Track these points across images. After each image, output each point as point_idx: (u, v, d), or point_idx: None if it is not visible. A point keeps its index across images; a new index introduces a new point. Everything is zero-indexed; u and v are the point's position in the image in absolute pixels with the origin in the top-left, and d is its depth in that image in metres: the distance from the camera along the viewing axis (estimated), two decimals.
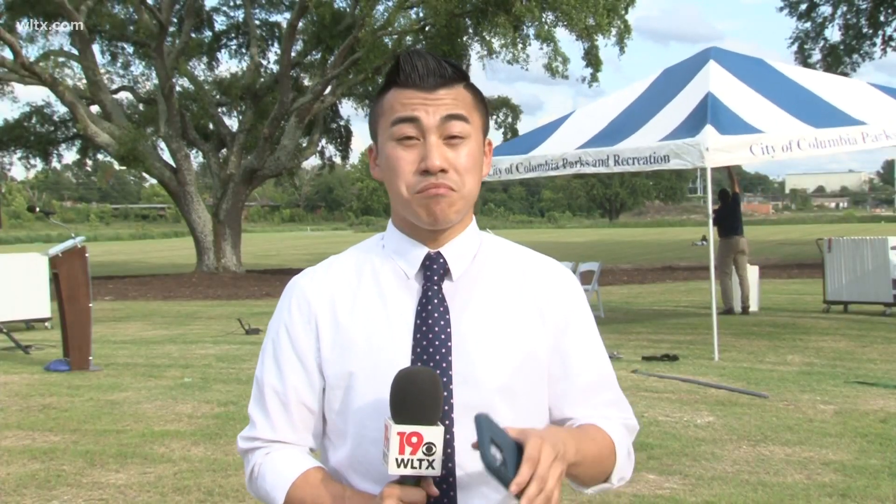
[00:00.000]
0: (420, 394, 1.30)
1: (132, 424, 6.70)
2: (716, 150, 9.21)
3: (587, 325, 1.58)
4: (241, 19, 29.38)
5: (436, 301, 1.46)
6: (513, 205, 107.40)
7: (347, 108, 51.91)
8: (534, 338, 1.50)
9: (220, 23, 30.45)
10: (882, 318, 13.05)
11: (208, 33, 30.01)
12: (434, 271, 1.48)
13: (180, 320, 14.08)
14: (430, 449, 1.28)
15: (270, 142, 25.37)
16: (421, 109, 1.42)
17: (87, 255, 9.26)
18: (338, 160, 33.89)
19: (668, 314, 14.36)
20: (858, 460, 5.34)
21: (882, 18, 29.35)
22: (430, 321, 1.45)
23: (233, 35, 30.40)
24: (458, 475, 1.41)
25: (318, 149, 30.40)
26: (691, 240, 36.57)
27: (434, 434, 1.29)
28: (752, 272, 14.51)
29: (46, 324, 13.18)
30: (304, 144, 28.23)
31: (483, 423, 1.27)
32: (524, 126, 31.09)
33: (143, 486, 5.12)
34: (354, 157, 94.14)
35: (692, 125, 9.61)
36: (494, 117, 29.06)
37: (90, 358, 9.21)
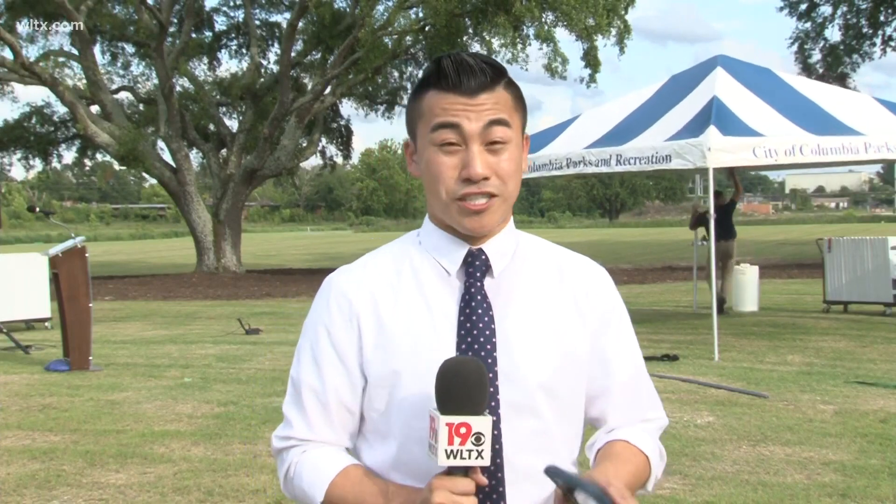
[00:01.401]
0: (466, 384, 1.30)
1: (132, 424, 6.70)
2: (718, 151, 9.23)
3: (624, 323, 1.61)
4: (241, 19, 29.38)
5: (479, 298, 1.46)
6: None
7: (347, 107, 52.08)
8: (574, 336, 1.52)
9: (220, 23, 30.48)
10: (882, 318, 13.05)
11: (208, 33, 30.02)
12: (476, 268, 1.48)
13: (180, 320, 14.07)
14: (478, 439, 1.28)
15: (270, 142, 25.36)
16: (462, 116, 1.41)
17: (87, 255, 9.26)
18: (338, 160, 33.91)
19: (667, 314, 14.36)
20: (858, 460, 5.35)
21: (882, 18, 29.34)
22: (473, 318, 1.45)
23: (233, 35, 30.40)
24: (505, 469, 1.43)
25: (318, 149, 30.40)
26: (691, 240, 36.53)
27: (482, 424, 1.29)
28: (752, 272, 14.53)
29: (46, 324, 13.18)
30: (304, 144, 28.23)
31: (561, 473, 1.34)
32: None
33: (143, 486, 5.12)
34: (355, 157, 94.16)
35: (696, 127, 9.66)
36: None
37: (90, 358, 9.21)
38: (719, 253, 13.86)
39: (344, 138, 31.86)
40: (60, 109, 28.35)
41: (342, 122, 31.73)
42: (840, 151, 9.83)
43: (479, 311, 1.45)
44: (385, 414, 1.45)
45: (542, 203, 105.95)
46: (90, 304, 9.25)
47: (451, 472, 1.31)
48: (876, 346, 10.03)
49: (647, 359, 9.08)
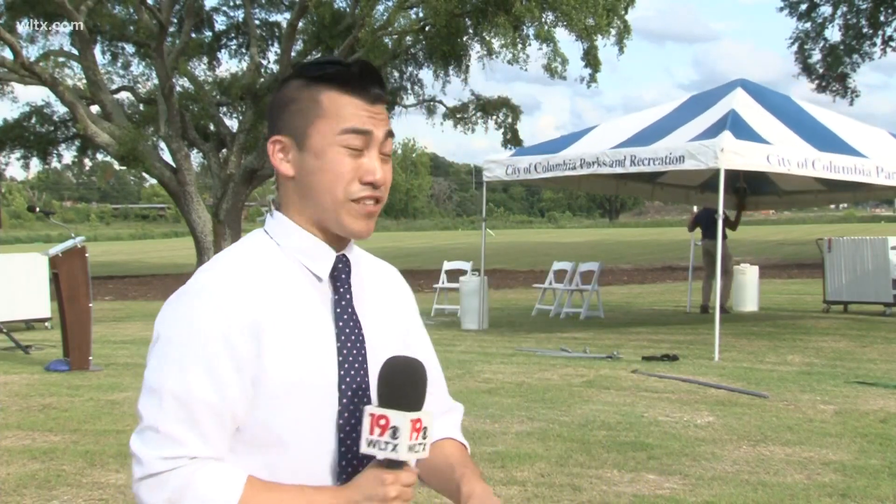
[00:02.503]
0: (395, 381, 1.37)
1: (132, 424, 6.67)
2: (731, 153, 9.33)
3: (420, 321, 1.72)
4: (241, 19, 29.35)
5: (350, 307, 1.49)
6: (512, 205, 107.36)
7: None
8: (405, 335, 1.62)
9: (220, 23, 30.45)
10: (882, 317, 13.06)
11: (208, 33, 30.00)
12: (344, 274, 1.50)
13: None
14: (395, 433, 1.33)
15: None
16: (370, 122, 1.45)
17: (87, 254, 9.26)
18: None
19: (668, 314, 14.37)
20: (858, 460, 5.35)
21: (882, 18, 29.34)
22: (350, 324, 1.48)
23: (233, 35, 30.38)
24: None
25: None
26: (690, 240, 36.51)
27: (400, 419, 1.33)
28: (752, 272, 14.54)
29: (46, 324, 13.18)
30: None
31: None
32: (523, 126, 31.05)
33: None
34: None
35: (710, 133, 9.83)
36: (494, 117, 29.04)
37: (90, 358, 9.20)
38: (706, 252, 13.88)
39: None
40: (60, 109, 28.35)
41: None
42: (852, 172, 9.98)
43: (353, 319, 1.48)
44: (266, 423, 1.40)
45: (542, 203, 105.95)
46: (90, 304, 9.24)
47: (390, 464, 1.36)
48: (876, 346, 10.04)
49: (647, 359, 9.12)
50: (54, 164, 33.74)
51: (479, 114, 29.18)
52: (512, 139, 29.18)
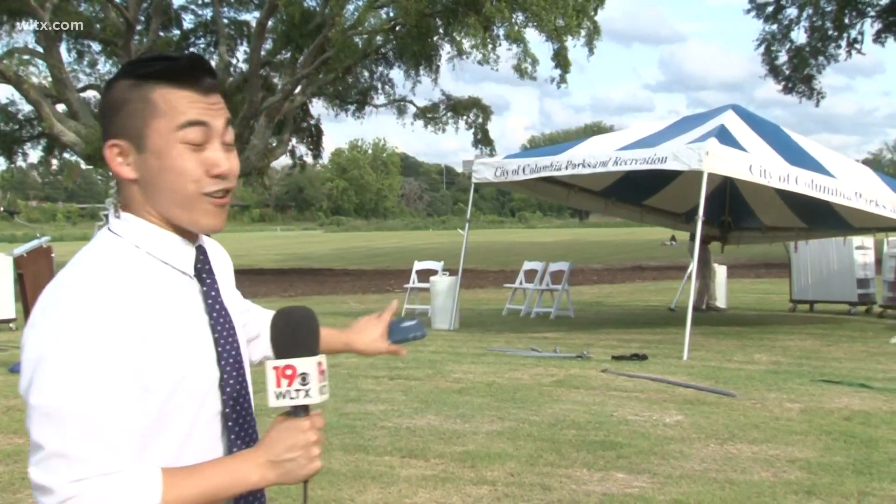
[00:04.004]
0: (292, 329, 1.39)
1: None
2: (715, 157, 9.46)
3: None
4: (209, 18, 29.14)
5: (220, 299, 1.49)
6: (483, 205, 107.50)
7: (318, 107, 51.79)
8: (247, 308, 1.74)
9: (188, 21, 30.22)
10: (847, 317, 13.24)
11: (176, 32, 29.74)
12: (206, 266, 1.50)
13: None
14: (304, 379, 1.35)
15: (240, 141, 25.18)
16: (207, 114, 1.42)
17: (53, 255, 9.14)
18: (308, 160, 33.76)
19: (637, 313, 14.46)
20: (823, 458, 5.42)
21: (847, 21, 29.74)
22: (222, 315, 1.48)
23: (201, 34, 30.15)
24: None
25: (289, 148, 30.25)
26: (661, 240, 36.82)
27: (307, 364, 1.36)
28: (720, 272, 14.68)
29: (11, 325, 12.99)
30: (274, 144, 28.07)
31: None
32: (493, 126, 31.05)
33: None
34: (325, 157, 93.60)
35: (698, 142, 9.93)
36: (465, 117, 29.07)
37: None
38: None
39: (314, 138, 31.73)
40: (25, 108, 27.97)
41: (312, 122, 31.59)
42: (833, 193, 10.08)
43: (223, 309, 1.49)
44: (164, 424, 1.37)
45: (512, 203, 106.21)
46: None
47: (294, 412, 1.37)
48: (840, 345, 10.17)
49: (617, 358, 9.17)
50: (19, 162, 33.29)
51: (449, 114, 29.20)
52: (482, 139, 29.24)
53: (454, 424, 6.41)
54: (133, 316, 1.35)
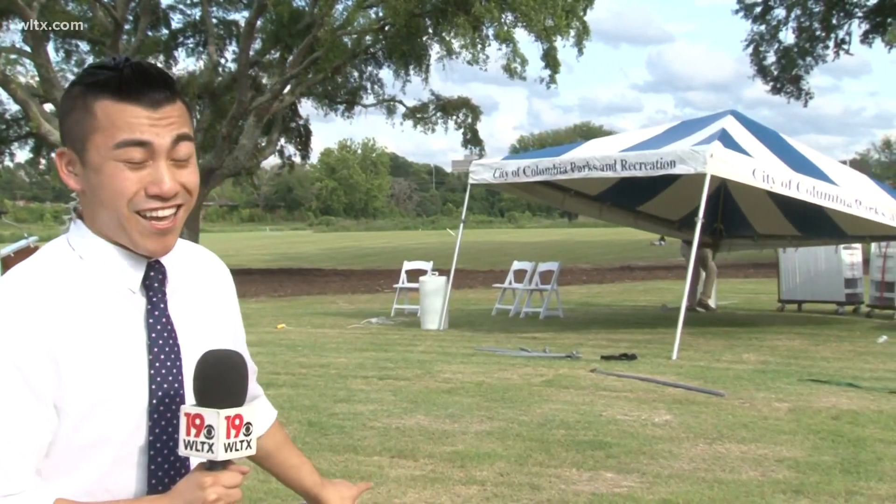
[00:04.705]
0: (209, 376, 1.30)
1: None
2: (719, 160, 9.51)
3: (238, 308, 1.67)
4: (198, 17, 29.05)
5: (164, 318, 1.40)
6: (473, 205, 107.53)
7: (307, 107, 51.67)
8: (234, 329, 1.59)
9: (176, 21, 30.12)
10: (835, 316, 13.30)
11: (165, 31, 29.64)
12: (157, 282, 1.40)
13: None
14: (209, 432, 1.27)
15: (229, 141, 25.13)
16: (151, 132, 1.32)
17: None
18: (297, 160, 33.71)
19: (626, 313, 14.50)
20: (811, 457, 5.44)
21: (835, 21, 29.88)
22: (164, 333, 1.39)
23: (190, 33, 30.06)
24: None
25: (277, 148, 30.19)
26: (650, 240, 36.90)
27: (214, 417, 1.27)
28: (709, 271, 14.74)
29: None
30: (263, 144, 28.02)
31: None
32: (482, 126, 31.07)
33: None
34: (314, 157, 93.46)
35: (701, 145, 10.00)
36: (454, 117, 29.08)
37: None
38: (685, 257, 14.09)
39: (303, 138, 31.68)
40: (13, 107, 27.82)
41: (301, 122, 31.55)
42: (833, 200, 10.13)
43: (166, 328, 1.39)
44: (77, 446, 1.31)
45: (502, 203, 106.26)
46: None
47: (211, 466, 1.29)
48: (829, 345, 10.22)
49: (606, 358, 9.19)
50: (7, 162, 33.13)
51: (438, 114, 29.20)
52: (472, 139, 29.25)
53: (443, 424, 6.41)
54: (50, 331, 1.28)
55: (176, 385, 1.38)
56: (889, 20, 26.98)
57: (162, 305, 1.40)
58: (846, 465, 5.24)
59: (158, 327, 1.38)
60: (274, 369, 8.67)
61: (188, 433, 1.28)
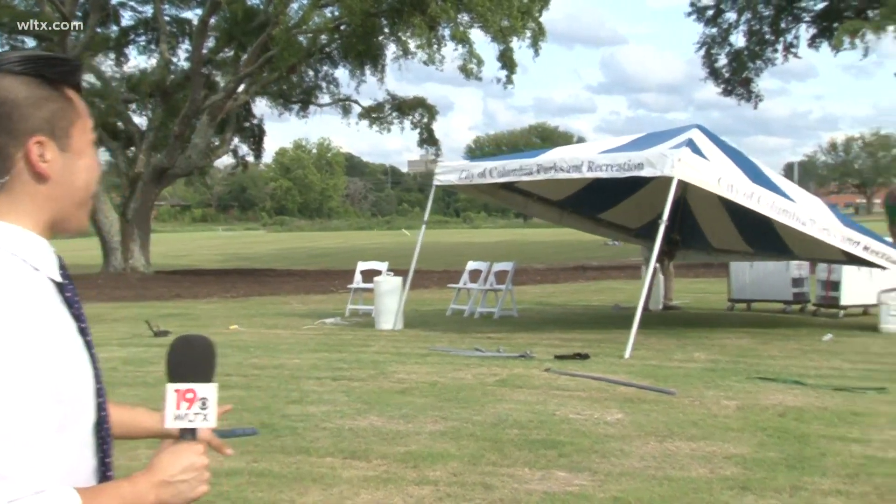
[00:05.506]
0: (196, 355, 1.44)
1: None
2: (687, 165, 9.63)
3: None
4: (150, 15, 28.64)
5: (79, 302, 1.43)
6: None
7: (262, 106, 51.22)
8: None
9: (127, 18, 29.64)
10: (782, 315, 13.56)
11: (115, 28, 29.17)
12: (66, 272, 1.44)
13: None
14: (204, 404, 1.42)
15: (181, 140, 24.84)
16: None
17: None
18: (251, 159, 33.42)
19: (579, 313, 14.61)
20: (758, 453, 5.54)
21: (784, 25, 30.42)
22: (84, 322, 1.41)
23: (141, 31, 29.62)
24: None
25: (231, 147, 29.89)
26: (603, 240, 37.23)
27: (207, 390, 1.42)
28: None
29: None
30: (216, 143, 27.73)
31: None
32: (438, 126, 31.15)
33: None
34: (267, 157, 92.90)
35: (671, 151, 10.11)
36: (410, 117, 29.05)
37: None
38: (645, 259, 14.24)
39: (257, 137, 31.42)
40: None
41: (255, 121, 31.28)
42: (791, 216, 10.26)
43: (82, 313, 1.42)
44: (60, 435, 1.33)
45: (457, 203, 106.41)
46: None
47: (183, 435, 1.42)
48: (776, 343, 10.41)
49: (560, 357, 9.25)
50: None
51: (394, 114, 29.14)
52: (428, 139, 29.26)
53: (397, 425, 6.41)
54: (36, 325, 1.29)
55: (98, 365, 1.45)
56: (836, 25, 27.53)
57: (76, 292, 1.44)
58: (791, 460, 5.35)
59: (80, 314, 1.42)
60: (226, 371, 8.58)
61: (178, 407, 1.41)
